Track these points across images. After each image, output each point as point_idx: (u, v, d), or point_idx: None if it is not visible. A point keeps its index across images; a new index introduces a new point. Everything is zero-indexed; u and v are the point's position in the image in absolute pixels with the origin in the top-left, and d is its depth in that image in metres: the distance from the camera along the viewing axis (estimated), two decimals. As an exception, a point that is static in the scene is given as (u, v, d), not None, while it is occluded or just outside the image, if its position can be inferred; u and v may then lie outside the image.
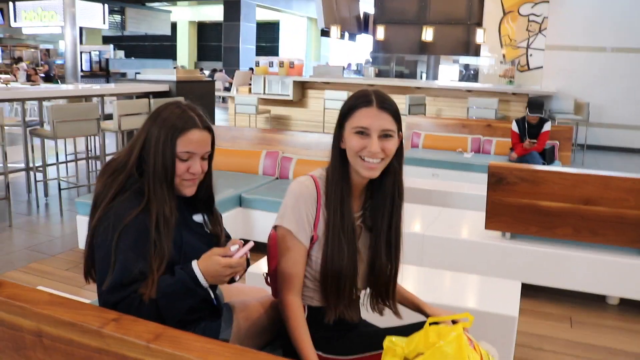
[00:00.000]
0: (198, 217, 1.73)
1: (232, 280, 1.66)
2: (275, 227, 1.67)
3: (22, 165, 6.07)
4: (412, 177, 5.43)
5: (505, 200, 3.37)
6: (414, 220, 3.92)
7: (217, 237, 1.75)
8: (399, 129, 1.61)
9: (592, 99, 9.40)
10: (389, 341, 1.62)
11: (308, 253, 1.66)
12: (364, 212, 1.72)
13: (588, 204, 3.20)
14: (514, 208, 3.36)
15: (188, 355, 1.16)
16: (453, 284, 2.87)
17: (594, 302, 3.40)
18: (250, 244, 1.56)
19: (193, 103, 1.67)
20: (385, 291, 1.78)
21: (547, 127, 5.60)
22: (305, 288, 1.70)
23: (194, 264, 1.51)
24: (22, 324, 1.42)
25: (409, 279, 2.90)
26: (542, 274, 3.39)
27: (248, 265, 1.63)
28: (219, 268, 1.50)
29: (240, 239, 1.61)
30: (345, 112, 1.61)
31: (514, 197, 3.34)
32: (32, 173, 5.91)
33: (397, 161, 1.65)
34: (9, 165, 6.53)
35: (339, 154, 1.64)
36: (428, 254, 3.60)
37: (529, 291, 3.39)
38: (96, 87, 7.11)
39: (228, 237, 1.84)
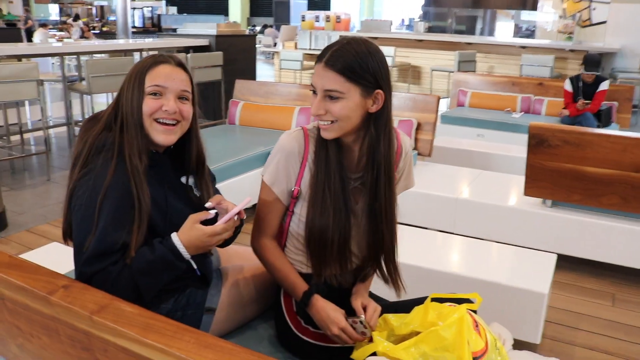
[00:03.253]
0: (185, 179, 1.59)
1: (226, 243, 1.55)
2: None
3: (64, 120, 6.13)
4: (455, 137, 5.18)
5: (547, 165, 3.08)
6: (450, 183, 3.70)
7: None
8: (369, 90, 1.38)
9: (660, 56, 8.69)
10: (382, 319, 1.47)
11: (292, 209, 1.53)
12: (364, 174, 1.53)
13: (639, 171, 2.88)
14: (555, 173, 3.07)
15: (127, 330, 1.04)
16: (483, 254, 2.66)
17: (641, 279, 3.12)
18: (242, 205, 1.40)
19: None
20: (381, 264, 1.58)
21: (603, 86, 5.15)
22: (295, 251, 1.58)
23: (174, 237, 1.39)
24: (-15, 286, 1.33)
25: (435, 246, 2.72)
26: (584, 246, 3.12)
27: (242, 224, 1.49)
28: (203, 237, 1.38)
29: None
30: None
31: (556, 161, 3.05)
32: (72, 128, 5.95)
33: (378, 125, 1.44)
34: (52, 120, 6.66)
35: None
36: (462, 219, 3.39)
37: (569, 263, 3.15)
38: (136, 42, 7.05)
39: None
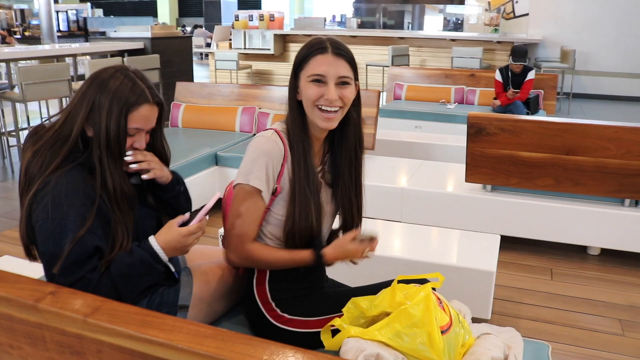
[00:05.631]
0: (135, 179, 1.62)
1: None
2: (236, 184, 1.58)
3: (-6, 131, 5.89)
4: (394, 130, 5.35)
5: (485, 152, 3.28)
6: (395, 174, 3.85)
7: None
8: (356, 77, 1.55)
9: (579, 46, 9.23)
10: (352, 302, 1.56)
11: (269, 209, 1.59)
12: (322, 167, 1.67)
13: (569, 153, 3.11)
14: (494, 159, 3.28)
15: (126, 329, 1.08)
16: (431, 239, 2.82)
17: (575, 253, 3.37)
18: (212, 201, 1.48)
19: (139, 70, 1.55)
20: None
21: (530, 75, 5.46)
22: None
23: (152, 240, 1.44)
24: (-41, 301, 1.33)
25: (386, 235, 2.84)
26: (523, 226, 3.34)
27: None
28: (180, 239, 1.45)
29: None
30: (300, 62, 1.53)
31: (494, 148, 3.25)
32: (4, 138, 5.74)
33: (355, 111, 1.60)
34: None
35: (296, 106, 1.56)
36: (408, 208, 3.54)
37: (510, 243, 3.35)
38: (68, 46, 6.86)
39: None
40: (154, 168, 1.56)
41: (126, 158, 1.49)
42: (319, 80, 1.48)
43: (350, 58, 1.51)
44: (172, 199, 1.67)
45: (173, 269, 1.52)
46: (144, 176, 1.54)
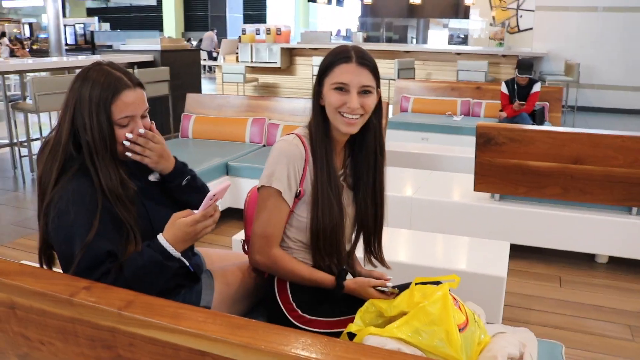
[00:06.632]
0: (154, 176, 1.64)
1: None
2: (259, 187, 1.62)
3: (6, 141, 5.97)
4: (401, 141, 5.40)
5: (494, 161, 3.33)
6: (403, 184, 3.89)
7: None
8: (378, 85, 1.60)
9: (583, 59, 9.30)
10: (370, 302, 1.59)
11: (292, 211, 1.64)
12: (344, 171, 1.71)
13: (577, 163, 3.16)
14: (502, 169, 3.32)
15: (159, 321, 1.12)
16: (442, 246, 2.86)
17: (583, 261, 3.40)
18: (219, 188, 1.42)
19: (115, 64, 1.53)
20: (371, 246, 1.79)
21: (536, 88, 5.52)
22: (288, 250, 1.69)
23: (160, 238, 1.43)
24: (-6, 296, 1.38)
25: (397, 242, 2.88)
26: (531, 235, 3.38)
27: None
28: (186, 229, 1.41)
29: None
30: (324, 69, 1.58)
31: (502, 157, 3.30)
32: (16, 148, 5.81)
33: (376, 118, 1.64)
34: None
35: (319, 110, 1.62)
36: (417, 217, 3.58)
37: (518, 252, 3.39)
38: (78, 59, 6.96)
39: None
40: (147, 155, 1.54)
41: (124, 142, 1.49)
42: (342, 88, 1.54)
43: (373, 67, 1.56)
44: (175, 190, 1.64)
45: (187, 263, 1.50)
46: (137, 158, 1.53)
